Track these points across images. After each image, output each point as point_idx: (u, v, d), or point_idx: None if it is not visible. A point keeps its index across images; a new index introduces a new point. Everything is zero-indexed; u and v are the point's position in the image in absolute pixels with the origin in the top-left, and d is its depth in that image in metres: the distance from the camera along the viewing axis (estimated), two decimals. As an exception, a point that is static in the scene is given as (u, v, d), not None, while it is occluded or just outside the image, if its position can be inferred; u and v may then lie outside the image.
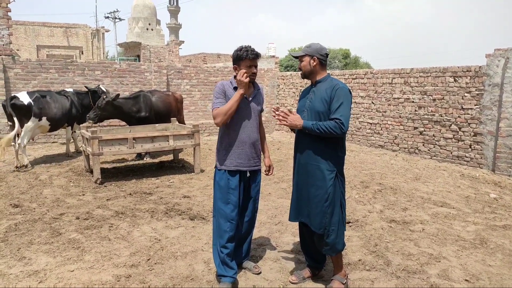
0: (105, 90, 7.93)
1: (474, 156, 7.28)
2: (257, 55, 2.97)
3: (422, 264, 3.43)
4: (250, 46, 2.98)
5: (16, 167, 6.70)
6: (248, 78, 2.91)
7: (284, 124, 2.84)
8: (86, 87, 8.04)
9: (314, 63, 2.87)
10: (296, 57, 3.00)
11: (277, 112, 2.87)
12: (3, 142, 6.60)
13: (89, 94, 7.78)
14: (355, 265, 3.39)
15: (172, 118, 7.61)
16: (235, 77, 3.09)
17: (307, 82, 12.81)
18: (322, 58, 2.87)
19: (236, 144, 3.02)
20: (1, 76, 8.75)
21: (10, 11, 9.03)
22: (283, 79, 12.51)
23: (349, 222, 4.35)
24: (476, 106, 7.21)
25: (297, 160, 2.99)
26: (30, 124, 6.72)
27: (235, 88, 3.01)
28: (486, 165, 7.10)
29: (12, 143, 6.82)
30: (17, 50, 22.38)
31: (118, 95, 7.26)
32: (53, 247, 3.64)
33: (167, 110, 7.89)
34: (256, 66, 3.01)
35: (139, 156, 7.68)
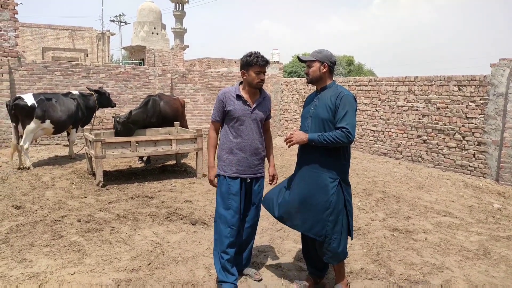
0: (105, 92, 7.97)
1: (478, 165, 7.24)
2: (266, 62, 2.96)
3: (425, 274, 3.40)
4: (260, 53, 2.96)
5: (19, 168, 6.73)
6: (215, 180, 3.11)
7: (293, 144, 2.82)
8: (89, 89, 8.06)
9: (324, 70, 2.85)
10: (304, 61, 2.93)
11: (285, 141, 2.86)
12: (12, 147, 6.84)
13: (95, 96, 7.79)
14: (357, 274, 3.36)
15: (175, 122, 7.60)
16: (241, 83, 3.08)
17: (311, 88, 12.66)
18: (332, 65, 2.86)
19: (237, 151, 3.00)
20: (7, 77, 8.81)
21: (17, 13, 9.10)
22: (287, 85, 12.53)
23: (351, 230, 4.32)
24: (480, 116, 7.19)
25: (299, 167, 2.96)
26: (32, 125, 6.72)
27: (238, 96, 3.00)
28: (489, 175, 7.05)
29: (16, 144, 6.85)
30: (23, 52, 22.53)
31: (131, 112, 6.90)
32: (54, 250, 3.63)
33: (174, 115, 7.75)
34: (264, 73, 3.00)
35: (148, 162, 7.58)
